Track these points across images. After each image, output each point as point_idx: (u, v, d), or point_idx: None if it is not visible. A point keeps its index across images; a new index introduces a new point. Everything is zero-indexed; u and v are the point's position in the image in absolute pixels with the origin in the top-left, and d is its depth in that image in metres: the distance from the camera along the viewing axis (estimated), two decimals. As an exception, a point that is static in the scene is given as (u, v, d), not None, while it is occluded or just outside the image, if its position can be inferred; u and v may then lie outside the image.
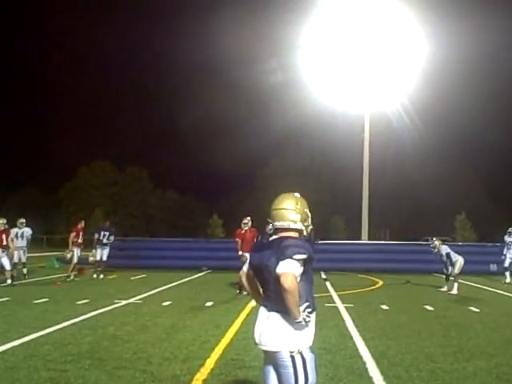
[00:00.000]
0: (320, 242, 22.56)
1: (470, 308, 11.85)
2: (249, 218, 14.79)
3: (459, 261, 15.10)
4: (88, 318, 9.83)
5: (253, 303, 12.11)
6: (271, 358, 3.62)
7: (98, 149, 65.50)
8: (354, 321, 9.82)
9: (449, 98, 54.25)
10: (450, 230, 52.01)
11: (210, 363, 6.56)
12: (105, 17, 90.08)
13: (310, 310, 3.54)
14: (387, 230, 56.53)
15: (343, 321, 9.88)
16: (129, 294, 13.30)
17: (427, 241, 32.38)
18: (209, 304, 11.96)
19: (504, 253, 19.14)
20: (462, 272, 15.56)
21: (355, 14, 27.53)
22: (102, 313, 10.48)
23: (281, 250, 3.51)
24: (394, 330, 9.01)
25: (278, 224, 3.76)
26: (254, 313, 10.77)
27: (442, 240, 16.56)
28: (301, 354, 3.53)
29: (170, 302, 11.99)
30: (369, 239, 29.42)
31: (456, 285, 14.99)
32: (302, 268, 3.52)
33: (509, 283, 18.14)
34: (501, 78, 54.63)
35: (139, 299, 12.59)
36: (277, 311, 3.55)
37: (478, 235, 51.93)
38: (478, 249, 24.86)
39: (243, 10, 60.79)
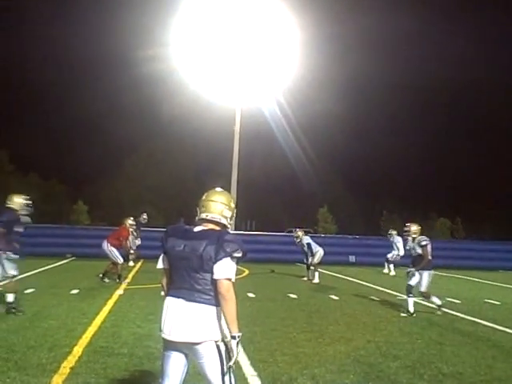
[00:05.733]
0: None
1: (331, 296, 12.52)
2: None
3: (319, 251, 15.89)
4: None
5: (120, 291, 11.97)
6: (188, 350, 3.57)
7: (-49, 126, 60.74)
8: (221, 308, 10.00)
9: (319, 99, 56.51)
10: (312, 223, 54.34)
11: (77, 351, 6.44)
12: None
13: None
14: (253, 221, 57.82)
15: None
16: (-14, 282, 12.56)
17: (291, 232, 33.62)
18: (74, 292, 11.63)
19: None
20: (323, 262, 16.38)
21: (234, 7, 27.68)
22: (-44, 301, 9.85)
23: (221, 243, 3.50)
24: (260, 317, 9.31)
25: (209, 215, 3.74)
26: (121, 300, 10.69)
27: (304, 231, 17.28)
28: (224, 342, 3.55)
29: (32, 290, 11.49)
30: (235, 230, 29.88)
31: (317, 274, 15.74)
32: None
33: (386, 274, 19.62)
34: (368, 82, 57.83)
35: (-2, 287, 11.94)
36: (198, 302, 3.52)
37: (338, 227, 54.74)
38: (338, 241, 26.19)
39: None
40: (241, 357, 6.48)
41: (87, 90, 62.69)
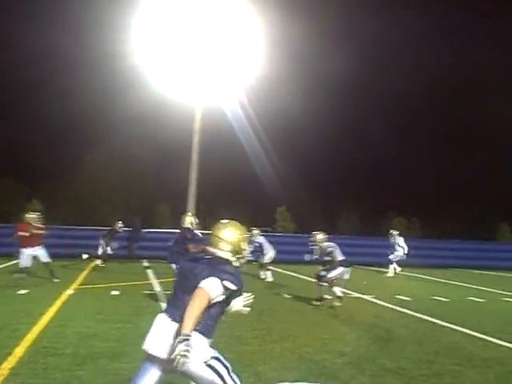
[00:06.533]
0: (144, 230, 22.52)
1: (283, 294, 12.60)
2: None
3: (270, 252, 16.04)
4: None
5: (71, 291, 11.82)
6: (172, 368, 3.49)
7: None
8: (172, 307, 9.99)
9: (282, 98, 56.70)
10: (271, 221, 54.64)
11: (19, 351, 6.34)
12: None
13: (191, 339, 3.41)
14: (213, 220, 57.59)
15: (160, 307, 10.01)
16: None
17: (250, 231, 33.59)
18: (22, 292, 11.43)
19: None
20: (279, 261, 16.51)
21: (197, 3, 27.44)
22: None
23: (217, 269, 3.59)
24: (210, 316, 9.29)
25: (211, 250, 3.88)
26: (71, 300, 10.56)
27: (262, 230, 17.37)
28: (214, 358, 3.55)
29: (-22, 291, 11.27)
30: (196, 229, 29.55)
31: (269, 273, 15.85)
32: (224, 296, 3.61)
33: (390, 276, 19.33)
34: (331, 83, 58.33)
35: None
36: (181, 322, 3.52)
37: (297, 226, 55.15)
38: (294, 239, 26.34)
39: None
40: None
41: (46, 87, 61.60)
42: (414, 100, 65.44)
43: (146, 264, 18.87)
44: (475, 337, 8.39)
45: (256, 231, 16.55)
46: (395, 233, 20.61)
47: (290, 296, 12.37)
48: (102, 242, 18.26)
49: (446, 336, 8.38)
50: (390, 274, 19.57)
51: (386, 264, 20.01)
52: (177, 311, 3.59)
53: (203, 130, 30.29)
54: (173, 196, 52.89)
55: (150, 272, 16.60)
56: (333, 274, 10.90)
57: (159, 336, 3.59)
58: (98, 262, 18.19)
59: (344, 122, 65.04)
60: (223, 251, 3.87)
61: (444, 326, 9.22)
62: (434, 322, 9.58)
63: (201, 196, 31.82)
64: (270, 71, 35.73)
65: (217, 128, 41.52)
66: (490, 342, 8.06)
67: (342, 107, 64.82)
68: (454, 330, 8.94)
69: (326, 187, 62.29)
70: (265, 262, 15.94)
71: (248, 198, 61.61)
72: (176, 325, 3.56)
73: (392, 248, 20.07)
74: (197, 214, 31.62)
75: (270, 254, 15.99)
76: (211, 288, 3.53)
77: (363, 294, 13.22)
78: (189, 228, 10.78)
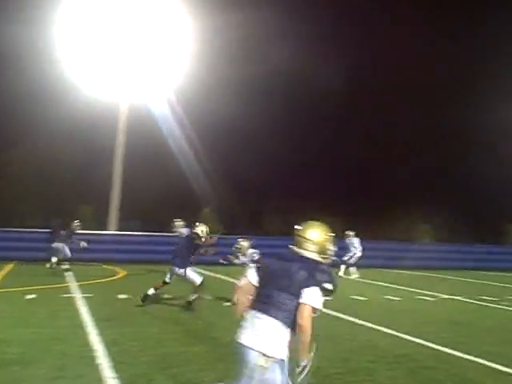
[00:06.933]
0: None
1: (204, 295, 12.53)
2: None
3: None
4: None
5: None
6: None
7: None
8: (90, 311, 9.79)
9: (212, 99, 56.47)
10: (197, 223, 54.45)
11: None
12: None
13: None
14: (137, 222, 56.79)
15: (78, 311, 9.80)
16: None
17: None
18: None
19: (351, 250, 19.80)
20: (206, 262, 16.48)
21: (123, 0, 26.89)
22: None
23: (314, 271, 3.68)
24: (130, 319, 9.21)
25: (296, 250, 3.93)
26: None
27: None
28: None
29: None
30: (120, 230, 29.07)
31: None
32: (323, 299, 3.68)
33: (340, 276, 19.02)
34: (261, 83, 58.58)
35: None
36: (276, 318, 3.67)
37: (223, 227, 55.22)
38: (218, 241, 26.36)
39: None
40: (102, 359, 6.42)
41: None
42: (343, 100, 66.78)
43: (65, 266, 18.32)
44: (389, 334, 8.69)
45: (179, 223, 16.43)
46: (351, 233, 20.25)
47: (210, 297, 12.37)
48: (59, 244, 17.78)
49: (361, 334, 8.63)
50: (341, 273, 19.39)
51: (339, 264, 19.56)
52: (272, 308, 3.70)
53: (129, 130, 29.82)
54: (96, 197, 51.65)
55: (69, 274, 16.21)
56: None
57: (262, 334, 3.71)
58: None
59: (272, 124, 65.44)
60: (309, 251, 3.92)
61: (360, 325, 9.49)
62: (351, 321, 9.85)
63: (125, 197, 31.31)
64: (200, 71, 35.58)
65: (143, 127, 40.95)
66: (403, 339, 8.37)
67: (270, 109, 65.11)
68: (369, 328, 9.21)
69: (252, 188, 62.67)
70: None
71: (175, 199, 61.13)
72: (274, 321, 3.67)
73: (346, 249, 19.76)
74: (121, 215, 31.17)
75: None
76: (316, 302, 3.65)
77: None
78: (198, 234, 11.27)
